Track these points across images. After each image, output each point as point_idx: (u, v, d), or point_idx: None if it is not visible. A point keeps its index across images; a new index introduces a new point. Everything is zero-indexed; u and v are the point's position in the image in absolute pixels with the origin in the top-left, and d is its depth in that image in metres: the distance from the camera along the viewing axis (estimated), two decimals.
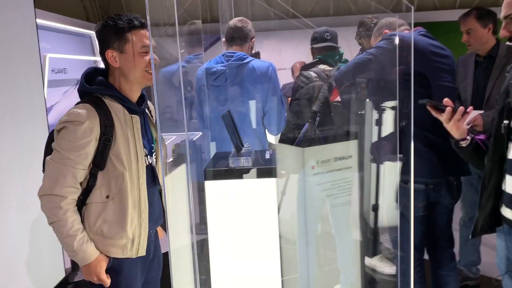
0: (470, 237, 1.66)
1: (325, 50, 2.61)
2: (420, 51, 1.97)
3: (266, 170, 1.52)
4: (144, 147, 1.67)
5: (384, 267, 3.19)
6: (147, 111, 1.80)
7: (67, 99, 9.51)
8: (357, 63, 2.25)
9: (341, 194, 2.31)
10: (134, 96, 1.66)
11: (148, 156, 1.71)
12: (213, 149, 2.52)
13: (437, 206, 2.11)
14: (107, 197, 1.57)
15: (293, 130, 2.51)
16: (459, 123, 1.60)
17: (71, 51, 8.94)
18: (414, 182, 1.92)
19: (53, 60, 8.03)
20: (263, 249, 1.54)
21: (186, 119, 1.39)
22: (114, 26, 1.56)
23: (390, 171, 2.21)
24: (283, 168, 2.73)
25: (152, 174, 1.71)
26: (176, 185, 1.94)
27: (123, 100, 1.62)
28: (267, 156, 1.70)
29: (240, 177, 1.51)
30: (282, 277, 1.70)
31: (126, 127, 1.60)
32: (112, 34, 1.57)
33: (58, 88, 8.89)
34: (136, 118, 1.64)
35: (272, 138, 2.66)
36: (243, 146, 1.71)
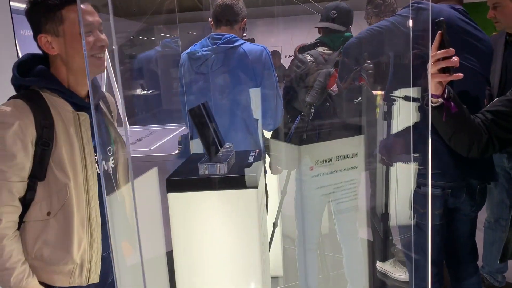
0: (499, 262, 1.34)
1: (329, 31, 2.26)
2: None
3: (245, 179, 1.21)
4: (97, 150, 1.38)
5: (398, 273, 2.87)
6: (102, 105, 1.50)
7: None
8: (372, 31, 1.88)
9: (345, 199, 2.00)
10: (82, 88, 1.37)
11: (104, 162, 1.42)
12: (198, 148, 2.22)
13: (457, 213, 1.79)
14: (48, 213, 1.29)
15: (287, 124, 2.19)
16: (436, 66, 1.30)
17: None
18: (423, 185, 1.61)
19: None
20: (241, 275, 1.24)
21: (123, 113, 1.08)
22: (43, 3, 1.26)
23: (403, 173, 1.88)
24: (279, 165, 2.42)
25: (109, 183, 1.42)
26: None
27: (67, 94, 1.33)
28: (251, 159, 1.39)
29: (212, 188, 1.21)
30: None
31: (71, 128, 1.31)
32: (42, 14, 1.27)
33: None
34: (85, 116, 1.34)
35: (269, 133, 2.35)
36: (220, 147, 1.40)
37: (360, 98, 2.17)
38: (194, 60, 2.07)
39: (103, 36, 1.34)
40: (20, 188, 1.26)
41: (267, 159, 2.38)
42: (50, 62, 1.36)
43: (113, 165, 1.49)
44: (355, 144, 1.90)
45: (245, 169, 1.26)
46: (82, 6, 1.31)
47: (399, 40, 1.70)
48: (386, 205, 2.23)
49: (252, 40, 2.35)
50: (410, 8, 1.61)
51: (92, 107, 1.35)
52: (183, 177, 1.22)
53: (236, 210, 1.22)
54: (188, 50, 2.13)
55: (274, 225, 2.76)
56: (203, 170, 1.24)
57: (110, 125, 1.51)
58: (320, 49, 2.25)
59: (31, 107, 1.27)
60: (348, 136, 1.92)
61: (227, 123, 2.09)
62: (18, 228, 1.30)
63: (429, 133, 1.28)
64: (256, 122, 2.14)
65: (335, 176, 1.89)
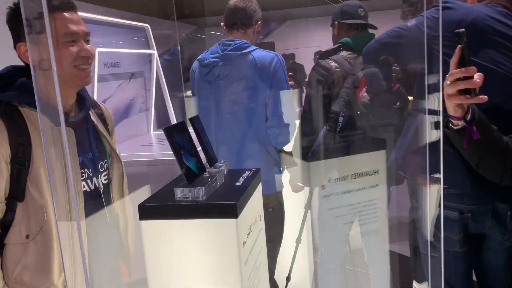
0: None
1: (354, 31, 2.07)
2: (471, 22, 1.41)
3: (222, 207, 1.06)
4: (86, 166, 1.30)
5: None
6: (93, 118, 1.42)
7: (121, 93, 9.57)
8: (393, 33, 1.68)
9: (365, 221, 1.79)
10: (67, 101, 1.29)
11: (94, 178, 1.33)
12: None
13: (485, 241, 1.54)
14: (27, 237, 1.22)
15: (308, 136, 2.01)
16: (454, 86, 1.07)
17: (125, 45, 8.93)
18: (445, 207, 1.38)
19: (105, 54, 8.02)
20: None
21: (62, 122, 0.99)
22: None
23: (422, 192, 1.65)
24: (301, 181, 2.26)
25: (100, 201, 1.34)
26: None
27: (46, 109, 1.25)
28: (241, 180, 1.24)
29: (186, 216, 1.07)
30: None
31: (51, 144, 1.23)
32: (21, 21, 1.20)
33: (111, 82, 8.94)
34: (69, 131, 1.26)
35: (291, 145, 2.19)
36: (210, 166, 1.27)
37: (398, 104, 1.96)
38: (203, 68, 1.96)
39: (88, 47, 1.26)
40: None
41: (287, 174, 2.22)
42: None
43: (105, 181, 1.41)
44: (375, 160, 1.69)
45: (229, 194, 1.12)
46: (66, 14, 1.24)
47: (422, 44, 1.49)
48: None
49: (271, 44, 2.21)
50: (423, 9, 1.39)
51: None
52: (156, 203, 1.09)
53: (214, 241, 1.08)
54: (199, 57, 2.02)
55: (297, 241, 2.59)
56: (179, 195, 1.11)
57: (104, 139, 1.43)
58: (344, 53, 2.06)
59: (6, 123, 1.21)
60: (367, 151, 1.72)
61: (238, 135, 1.96)
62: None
63: (441, 145, 1.08)
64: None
65: (351, 196, 1.69)
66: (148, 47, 9.76)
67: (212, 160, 1.31)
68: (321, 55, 2.09)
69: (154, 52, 10.12)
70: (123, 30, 9.04)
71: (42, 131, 1.08)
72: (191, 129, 1.24)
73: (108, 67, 8.94)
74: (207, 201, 1.09)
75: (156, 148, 8.95)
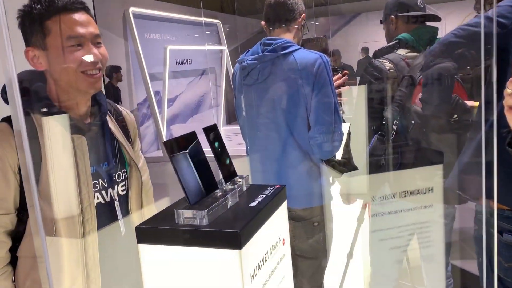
0: None
1: (413, 26, 1.82)
2: None
3: (226, 235, 0.92)
4: (101, 177, 1.23)
5: None
6: (111, 125, 1.34)
7: (192, 89, 9.78)
8: (463, 31, 1.43)
9: (420, 245, 1.56)
10: (78, 108, 1.22)
11: (110, 189, 1.26)
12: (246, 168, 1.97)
13: None
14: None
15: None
16: None
17: (197, 42, 9.08)
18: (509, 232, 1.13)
19: (177, 51, 8.20)
20: None
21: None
22: (29, 13, 1.12)
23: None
24: (353, 194, 2.05)
25: (113, 213, 1.27)
26: None
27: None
28: (257, 201, 1.09)
29: (186, 243, 0.95)
30: None
31: (63, 153, 1.18)
32: (28, 25, 1.15)
33: (182, 79, 9.15)
34: (81, 140, 1.19)
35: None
36: (226, 182, 1.14)
37: (456, 116, 1.69)
38: (241, 70, 1.82)
39: (96, 50, 1.17)
40: (7, 221, 1.16)
41: (337, 184, 2.03)
42: (46, 79, 1.24)
43: (123, 192, 1.33)
44: (429, 176, 1.45)
45: (235, 219, 0.97)
46: (71, 16, 1.16)
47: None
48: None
49: (324, 40, 2.02)
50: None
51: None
52: (154, 226, 0.98)
53: (216, 273, 0.94)
54: (239, 57, 1.89)
55: (348, 256, 2.39)
56: (179, 218, 0.98)
57: (123, 147, 1.35)
58: (401, 51, 1.82)
59: (14, 131, 1.16)
60: (421, 165, 1.48)
61: (278, 142, 1.80)
62: (14, 264, 1.21)
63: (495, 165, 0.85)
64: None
65: (399, 217, 1.47)
66: (220, 43, 9.84)
67: (228, 175, 1.17)
68: (375, 54, 1.86)
69: (225, 48, 10.20)
70: (195, 27, 9.19)
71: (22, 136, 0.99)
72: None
73: (180, 64, 9.18)
74: (210, 226, 0.95)
75: (225, 144, 9.06)
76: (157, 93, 7.98)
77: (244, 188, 1.21)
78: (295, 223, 1.85)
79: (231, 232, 0.92)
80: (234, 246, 0.91)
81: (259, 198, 1.11)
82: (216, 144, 1.17)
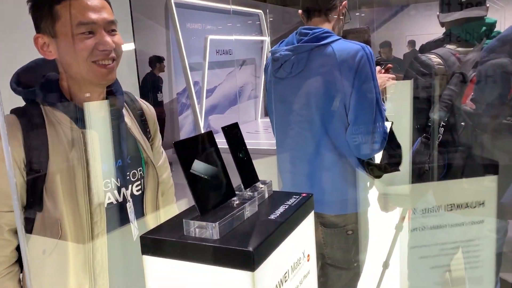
0: None
1: (462, 21, 1.62)
2: None
3: (237, 254, 0.80)
4: (113, 176, 1.14)
5: None
6: (127, 119, 1.25)
7: (231, 80, 9.72)
8: None
9: (465, 265, 1.38)
10: (91, 100, 1.13)
11: (123, 189, 1.17)
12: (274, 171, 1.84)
13: None
14: (43, 252, 1.10)
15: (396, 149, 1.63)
16: None
17: (237, 32, 9.00)
18: None
19: (217, 41, 8.14)
20: None
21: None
22: None
23: None
24: (392, 202, 1.88)
25: (123, 214, 1.18)
26: None
27: (68, 109, 1.10)
28: (278, 212, 0.96)
29: (193, 258, 0.83)
30: None
31: (72, 149, 1.09)
32: (38, 10, 1.06)
33: (222, 70, 9.09)
34: (92, 134, 1.11)
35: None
36: (246, 188, 1.01)
37: (510, 119, 1.49)
38: (274, 62, 1.68)
39: (108, 39, 1.07)
40: (10, 219, 1.09)
41: (375, 190, 1.86)
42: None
43: (138, 192, 1.24)
44: (481, 188, 1.27)
45: (250, 235, 0.85)
46: (84, 0, 1.07)
47: None
48: None
49: (367, 31, 1.85)
50: None
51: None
52: (160, 237, 0.87)
53: None
54: (272, 48, 1.75)
55: (384, 265, 2.22)
56: (188, 229, 0.87)
57: (140, 144, 1.25)
58: (451, 46, 1.63)
59: (23, 124, 1.08)
60: (473, 175, 1.29)
61: (312, 142, 1.66)
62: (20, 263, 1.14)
63: None
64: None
65: (443, 233, 1.29)
66: (261, 33, 9.70)
67: (249, 180, 1.04)
68: (422, 48, 1.67)
69: (266, 38, 10.05)
70: (237, 17, 9.08)
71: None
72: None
73: (220, 54, 9.13)
74: (220, 242, 0.83)
75: (262, 136, 8.95)
76: (196, 83, 7.96)
77: (266, 195, 1.08)
78: (326, 230, 1.70)
79: (243, 251, 0.79)
80: (246, 267, 0.79)
81: (281, 209, 0.98)
82: (236, 145, 1.05)
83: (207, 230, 0.85)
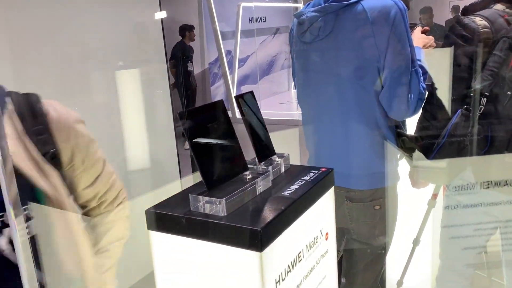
0: None
1: None
2: None
3: (244, 233, 0.74)
4: None
5: None
6: (9, 130, 0.87)
7: (264, 49, 9.53)
8: None
9: (502, 247, 1.27)
10: None
11: None
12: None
13: None
14: None
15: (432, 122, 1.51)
16: None
17: None
18: None
19: (250, 9, 7.97)
20: None
21: None
22: None
23: None
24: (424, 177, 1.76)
25: None
26: None
27: None
28: (294, 187, 0.89)
29: (198, 235, 0.78)
30: None
31: None
32: None
33: (255, 38, 8.91)
34: None
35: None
36: (260, 160, 0.94)
37: None
38: (299, 25, 1.57)
39: None
40: None
41: (405, 162, 1.75)
42: None
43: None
44: None
45: (260, 213, 0.78)
46: None
47: None
48: None
49: None
50: None
51: None
52: (166, 211, 0.82)
53: (235, 274, 0.77)
54: (297, 11, 1.64)
55: (415, 242, 2.13)
56: (194, 205, 0.81)
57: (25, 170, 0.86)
58: (500, 6, 1.47)
59: None
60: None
61: (340, 112, 1.56)
62: None
63: None
64: (382, 113, 1.54)
65: (478, 213, 1.19)
66: (295, 0, 9.43)
67: (263, 154, 0.97)
68: (465, 9, 1.52)
69: (300, 5, 9.76)
70: None
71: None
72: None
73: (253, 22, 8.93)
74: (227, 219, 0.77)
75: (294, 107, 8.80)
76: (228, 52, 7.84)
77: (283, 169, 1.01)
78: (352, 205, 1.62)
79: (250, 230, 0.73)
80: (253, 247, 0.73)
81: (297, 184, 0.91)
82: (251, 115, 0.97)
83: (214, 206, 0.79)
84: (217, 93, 8.04)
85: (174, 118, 2.86)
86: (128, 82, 2.59)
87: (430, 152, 1.54)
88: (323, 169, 0.99)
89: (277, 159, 1.01)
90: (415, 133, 1.68)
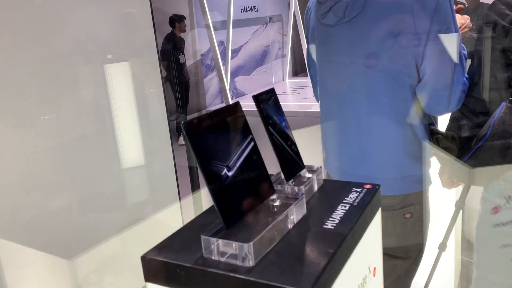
0: None
1: None
2: None
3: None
4: None
5: None
6: None
7: (257, 39, 9.30)
8: None
9: None
10: None
11: None
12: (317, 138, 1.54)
13: None
14: None
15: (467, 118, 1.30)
16: None
17: None
18: None
19: None
20: None
21: None
22: None
23: None
24: (457, 176, 1.56)
25: None
26: None
27: None
28: (337, 217, 0.67)
29: None
30: None
31: None
32: None
33: (247, 28, 8.66)
34: None
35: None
36: (291, 175, 0.72)
37: None
38: (319, 5, 1.34)
39: None
40: None
41: (435, 161, 1.54)
42: None
43: None
44: None
45: (302, 262, 0.56)
46: None
47: None
48: None
49: None
50: None
51: None
52: (167, 260, 0.59)
53: None
54: None
55: (441, 247, 1.93)
56: (207, 250, 0.58)
57: None
58: None
59: None
60: None
61: (368, 106, 1.34)
62: None
63: None
64: (419, 107, 1.33)
65: None
66: None
67: (291, 169, 0.75)
68: None
69: None
70: None
71: None
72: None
73: (245, 11, 8.68)
74: (257, 273, 0.54)
75: (290, 98, 8.59)
76: (221, 43, 7.58)
77: (315, 187, 0.79)
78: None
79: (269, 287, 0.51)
80: None
81: (340, 211, 0.69)
82: (273, 119, 0.74)
83: (238, 252, 0.56)
84: (210, 85, 7.78)
85: (168, 113, 2.65)
86: (118, 76, 2.39)
87: (467, 152, 1.33)
88: (368, 186, 0.77)
89: (307, 174, 0.78)
90: (447, 129, 1.47)
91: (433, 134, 1.39)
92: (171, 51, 5.91)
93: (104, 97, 2.16)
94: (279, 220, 0.62)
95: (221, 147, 0.60)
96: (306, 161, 0.89)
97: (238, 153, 0.62)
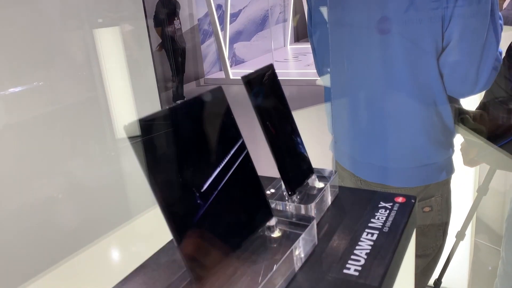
0: None
1: None
2: None
3: None
4: None
5: None
6: None
7: (257, 2, 8.90)
8: None
9: None
10: None
11: None
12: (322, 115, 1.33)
13: None
14: None
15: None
16: None
17: None
18: None
19: None
20: None
21: None
22: None
23: None
24: (480, 158, 1.36)
25: None
26: None
27: None
28: (363, 255, 0.46)
29: None
30: None
31: None
32: None
33: None
34: None
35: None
36: (292, 192, 0.52)
37: None
38: None
39: None
40: None
41: (460, 138, 1.33)
42: None
43: None
44: None
45: None
46: None
47: None
48: None
49: None
50: None
51: None
52: None
53: None
54: None
55: (459, 236, 1.75)
56: None
57: None
58: None
59: None
60: None
61: (378, 84, 1.12)
62: None
63: None
64: (441, 86, 1.10)
65: None
66: None
67: (296, 179, 0.54)
68: None
69: None
70: None
71: None
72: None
73: None
74: None
75: (291, 65, 8.29)
76: (219, 7, 7.21)
77: (329, 201, 0.58)
78: None
79: None
80: None
81: (367, 242, 0.48)
82: (271, 111, 0.53)
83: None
84: (208, 51, 7.46)
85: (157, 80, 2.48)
86: (105, 41, 2.22)
87: (500, 136, 1.13)
88: (400, 199, 0.57)
89: (317, 182, 0.58)
90: (479, 107, 1.27)
91: (459, 114, 1.17)
92: (165, 15, 5.58)
93: (93, 62, 2.02)
94: (281, 263, 0.42)
95: (191, 163, 0.39)
96: (310, 146, 0.68)
97: (217, 171, 0.41)
